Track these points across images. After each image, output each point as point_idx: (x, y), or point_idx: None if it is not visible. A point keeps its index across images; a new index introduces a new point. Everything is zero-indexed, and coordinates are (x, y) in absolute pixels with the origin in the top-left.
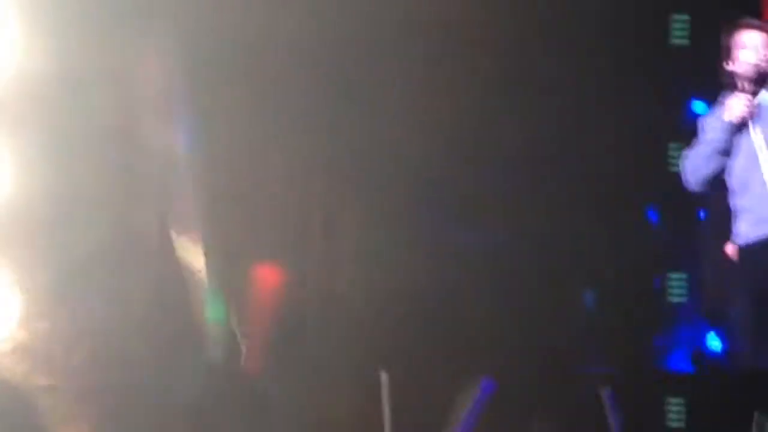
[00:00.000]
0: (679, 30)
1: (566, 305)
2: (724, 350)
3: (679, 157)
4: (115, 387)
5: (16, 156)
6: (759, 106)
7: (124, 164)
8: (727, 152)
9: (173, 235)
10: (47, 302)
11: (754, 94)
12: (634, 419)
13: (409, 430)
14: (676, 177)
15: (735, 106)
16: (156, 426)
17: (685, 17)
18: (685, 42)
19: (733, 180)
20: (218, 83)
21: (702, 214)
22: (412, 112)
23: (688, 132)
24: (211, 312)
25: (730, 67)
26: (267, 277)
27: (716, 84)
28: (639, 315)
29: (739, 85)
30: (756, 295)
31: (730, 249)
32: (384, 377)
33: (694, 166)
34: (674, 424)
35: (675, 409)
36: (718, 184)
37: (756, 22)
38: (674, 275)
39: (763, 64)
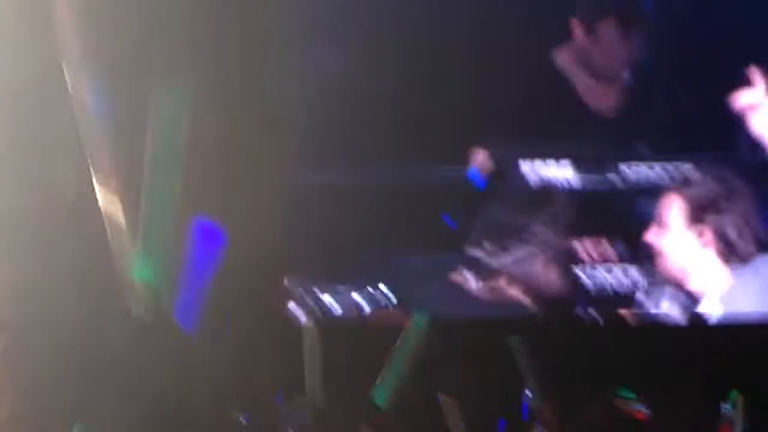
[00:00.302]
0: None
1: None
2: None
3: None
4: (40, 345)
5: None
6: None
7: (44, 120)
8: None
9: (98, 192)
10: None
11: None
12: None
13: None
14: None
15: None
16: (83, 382)
17: None
18: None
19: None
20: (146, 36)
21: None
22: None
23: None
24: (138, 269)
25: None
26: (195, 232)
27: None
28: None
29: None
30: None
31: None
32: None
33: None
34: None
35: None
36: None
37: None
38: None
39: None
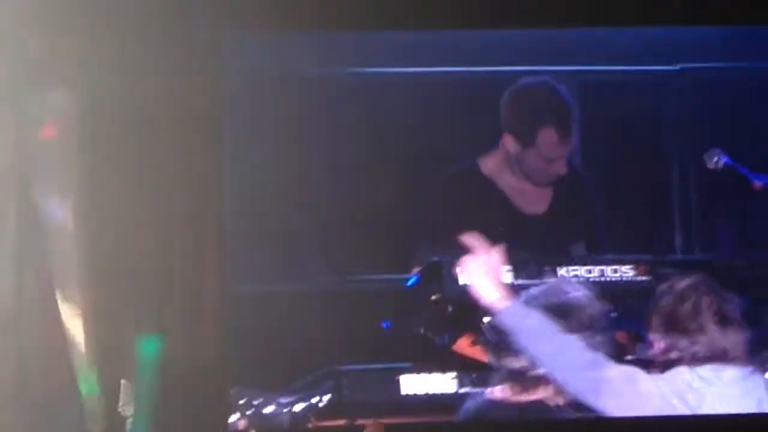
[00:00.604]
0: None
1: None
2: None
3: None
4: None
5: None
6: None
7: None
8: None
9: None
10: None
11: None
12: None
13: None
14: None
15: None
16: None
17: None
18: None
19: None
20: (101, 151)
21: None
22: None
23: None
24: (85, 384)
25: None
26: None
27: None
28: None
29: None
30: None
31: None
32: None
33: None
34: None
35: None
36: None
37: None
38: None
39: None
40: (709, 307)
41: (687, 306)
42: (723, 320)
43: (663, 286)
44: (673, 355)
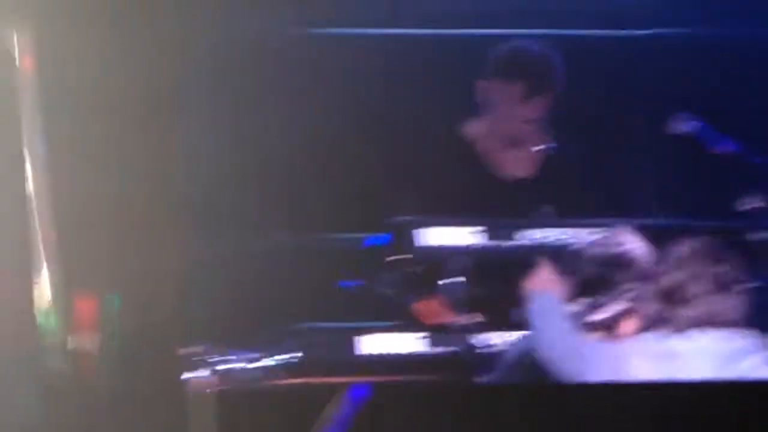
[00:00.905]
0: None
1: None
2: None
3: None
4: None
5: None
6: None
7: None
8: None
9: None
10: None
11: None
12: None
13: None
14: None
15: None
16: None
17: None
18: None
19: None
20: (60, 92)
21: None
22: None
23: None
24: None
25: None
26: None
27: None
28: None
29: None
30: None
31: None
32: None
33: None
34: None
35: None
36: None
37: None
38: None
39: None
40: (704, 271)
41: (683, 271)
42: (718, 285)
43: (659, 251)
44: (661, 320)
